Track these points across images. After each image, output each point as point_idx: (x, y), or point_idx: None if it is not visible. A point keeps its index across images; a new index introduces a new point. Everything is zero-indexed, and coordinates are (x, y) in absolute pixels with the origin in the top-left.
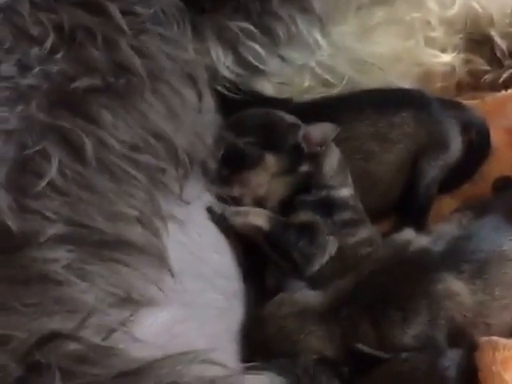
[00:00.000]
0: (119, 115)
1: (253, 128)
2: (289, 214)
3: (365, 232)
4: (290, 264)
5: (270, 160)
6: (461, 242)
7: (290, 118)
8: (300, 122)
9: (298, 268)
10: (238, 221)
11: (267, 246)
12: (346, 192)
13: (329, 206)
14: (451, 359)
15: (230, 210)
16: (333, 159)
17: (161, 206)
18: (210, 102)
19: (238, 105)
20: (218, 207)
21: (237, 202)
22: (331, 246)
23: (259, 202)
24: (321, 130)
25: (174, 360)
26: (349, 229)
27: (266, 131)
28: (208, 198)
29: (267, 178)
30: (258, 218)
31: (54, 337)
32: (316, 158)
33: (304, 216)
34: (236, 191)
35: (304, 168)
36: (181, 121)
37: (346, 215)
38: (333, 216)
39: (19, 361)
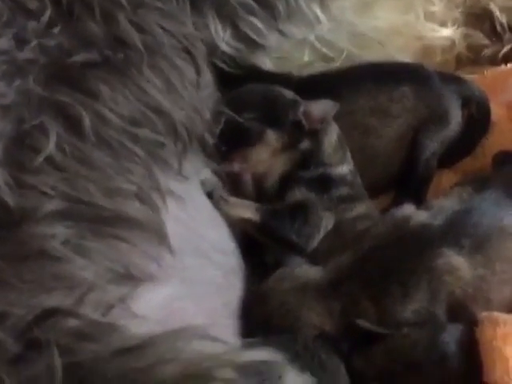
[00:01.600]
0: (117, 89)
1: (253, 104)
2: (285, 191)
3: (362, 207)
4: (288, 247)
5: (271, 136)
6: (461, 216)
7: (290, 94)
8: (300, 99)
9: (296, 248)
10: (225, 209)
11: (261, 236)
12: (344, 168)
13: (325, 183)
14: (451, 334)
15: (218, 194)
16: (332, 136)
17: (159, 181)
18: (208, 76)
19: (237, 80)
20: (210, 185)
21: (236, 178)
22: (327, 222)
23: (259, 180)
24: (321, 107)
25: (173, 336)
26: (346, 204)
27: (266, 107)
28: (206, 174)
29: (267, 154)
30: (246, 211)
31: (53, 313)
32: (316, 135)
33: (298, 194)
34: (236, 167)
35: (304, 145)
36: (179, 95)
37: (343, 191)
38: (329, 192)
39: (18, 337)
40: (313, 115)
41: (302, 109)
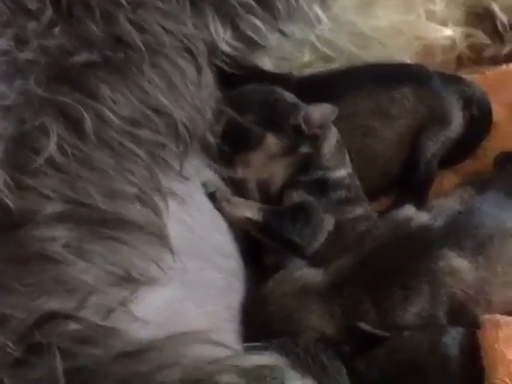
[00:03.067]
0: (118, 90)
1: (254, 106)
2: (283, 194)
3: (360, 210)
4: (290, 248)
5: (271, 140)
6: (462, 217)
7: (291, 98)
8: (300, 102)
9: (298, 250)
10: (227, 209)
11: (262, 236)
12: (342, 172)
13: (323, 186)
14: (453, 337)
15: (221, 195)
16: (331, 141)
17: (161, 182)
18: (209, 76)
19: (237, 80)
20: (212, 185)
21: (241, 184)
22: (328, 223)
23: (263, 187)
24: (321, 112)
25: (174, 340)
26: (344, 206)
27: (268, 110)
28: (207, 174)
29: (268, 158)
30: (248, 210)
31: (54, 317)
32: (315, 140)
33: (297, 197)
34: (240, 173)
35: (303, 149)
36: (180, 95)
37: (342, 194)
38: (327, 195)
39: (19, 341)
40: (313, 120)
41: (302, 113)
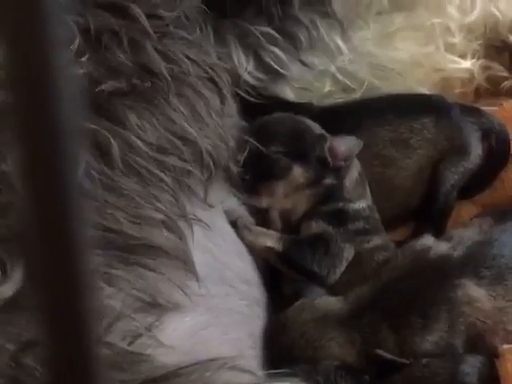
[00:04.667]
0: (145, 117)
1: (280, 136)
2: (302, 223)
3: (378, 240)
4: (310, 278)
5: (298, 172)
6: (481, 247)
7: (317, 129)
8: (327, 134)
9: (318, 280)
10: (248, 237)
11: (282, 266)
12: (362, 204)
13: (342, 217)
14: (472, 366)
15: (242, 223)
16: (354, 173)
17: (186, 209)
18: (232, 105)
19: (260, 109)
20: (234, 213)
21: (265, 214)
22: (348, 253)
23: (285, 216)
24: (346, 145)
25: (202, 367)
26: (362, 236)
27: (294, 141)
28: (229, 203)
29: (293, 189)
30: (269, 240)
31: None
32: (338, 171)
33: (316, 227)
34: (264, 202)
35: (328, 181)
36: (205, 124)
37: (359, 225)
38: (345, 225)
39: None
40: (338, 152)
41: (328, 145)
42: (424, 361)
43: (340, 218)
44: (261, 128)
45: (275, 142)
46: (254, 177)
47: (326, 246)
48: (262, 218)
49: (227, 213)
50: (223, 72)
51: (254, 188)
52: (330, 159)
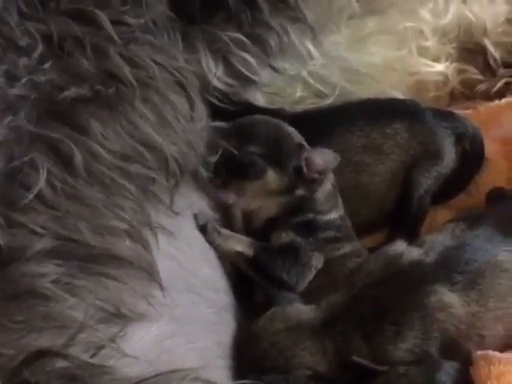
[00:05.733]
0: (109, 125)
1: (261, 138)
2: (270, 233)
3: (349, 247)
4: (278, 285)
5: (272, 177)
6: (454, 252)
7: (298, 137)
8: (306, 144)
9: (286, 287)
10: (217, 241)
11: (252, 271)
12: (333, 215)
13: (312, 228)
14: (448, 373)
15: (212, 227)
16: (327, 186)
17: (151, 217)
18: (202, 109)
19: (229, 115)
20: (204, 218)
21: (228, 210)
22: (316, 261)
23: (247, 216)
24: (323, 158)
25: (164, 378)
26: (333, 244)
27: (274, 145)
28: (200, 206)
29: (264, 193)
30: (239, 244)
31: (43, 354)
32: (311, 184)
33: (286, 237)
34: (231, 198)
35: (300, 191)
36: (172, 129)
37: (330, 234)
38: (315, 235)
39: (7, 379)
40: (315, 164)
41: (304, 155)
42: (401, 369)
43: (310, 228)
44: (242, 127)
45: (255, 142)
46: (226, 174)
47: (296, 254)
48: (224, 214)
49: (197, 217)
50: (191, 75)
51: (225, 183)
52: (305, 170)
